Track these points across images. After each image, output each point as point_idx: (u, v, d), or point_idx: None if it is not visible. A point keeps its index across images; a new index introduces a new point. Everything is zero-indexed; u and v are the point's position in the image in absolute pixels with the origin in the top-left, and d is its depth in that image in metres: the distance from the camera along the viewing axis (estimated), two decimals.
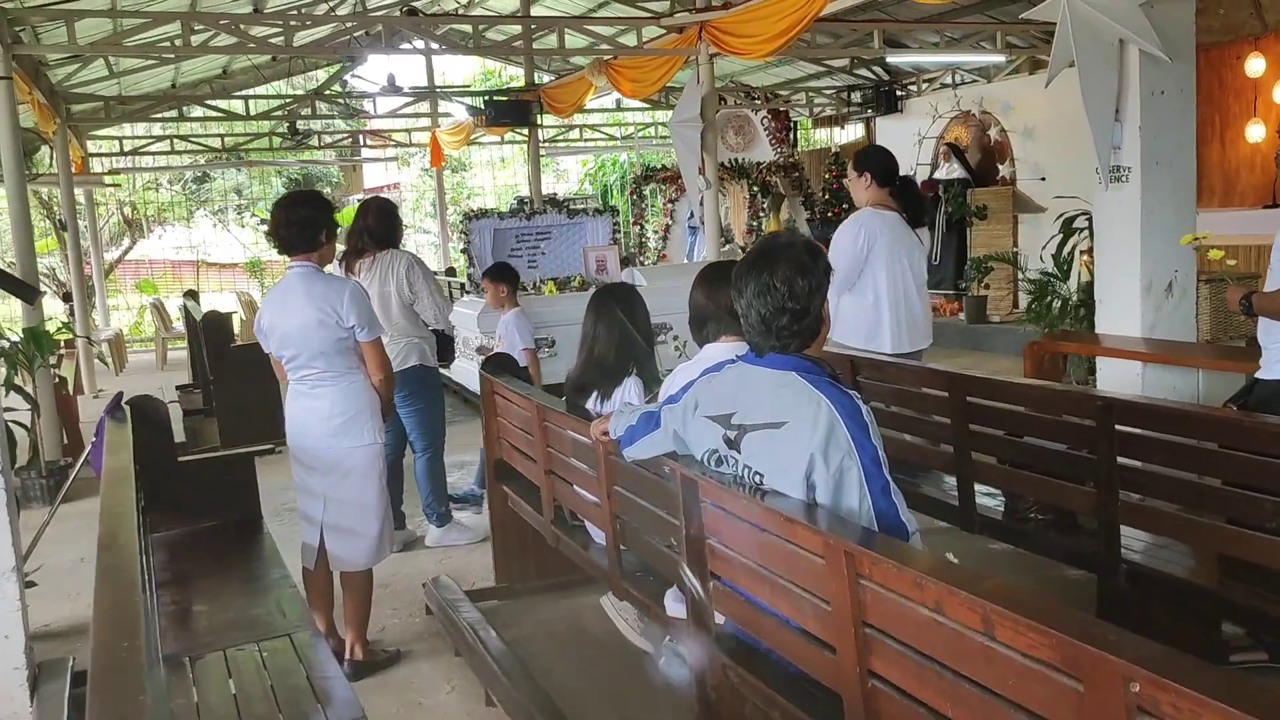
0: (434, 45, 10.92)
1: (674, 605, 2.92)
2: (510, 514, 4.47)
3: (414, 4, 10.75)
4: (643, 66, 9.99)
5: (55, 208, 17.41)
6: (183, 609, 3.30)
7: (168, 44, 9.82)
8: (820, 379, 2.35)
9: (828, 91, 15.25)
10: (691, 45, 9.01)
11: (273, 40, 9.09)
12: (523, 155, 21.91)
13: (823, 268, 2.38)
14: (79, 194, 15.12)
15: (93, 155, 15.26)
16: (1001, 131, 12.57)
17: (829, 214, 14.54)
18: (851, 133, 16.41)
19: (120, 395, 3.97)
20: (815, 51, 11.44)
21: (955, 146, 12.99)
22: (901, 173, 4.95)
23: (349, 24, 9.38)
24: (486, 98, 12.66)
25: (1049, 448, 3.42)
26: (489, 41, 12.08)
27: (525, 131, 13.86)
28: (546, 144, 18.37)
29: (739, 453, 2.42)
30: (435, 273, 8.03)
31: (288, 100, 14.15)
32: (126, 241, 17.89)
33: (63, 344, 11.42)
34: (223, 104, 13.73)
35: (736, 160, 15.18)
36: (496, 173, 24.50)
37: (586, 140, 18.17)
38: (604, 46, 10.61)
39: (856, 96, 14.77)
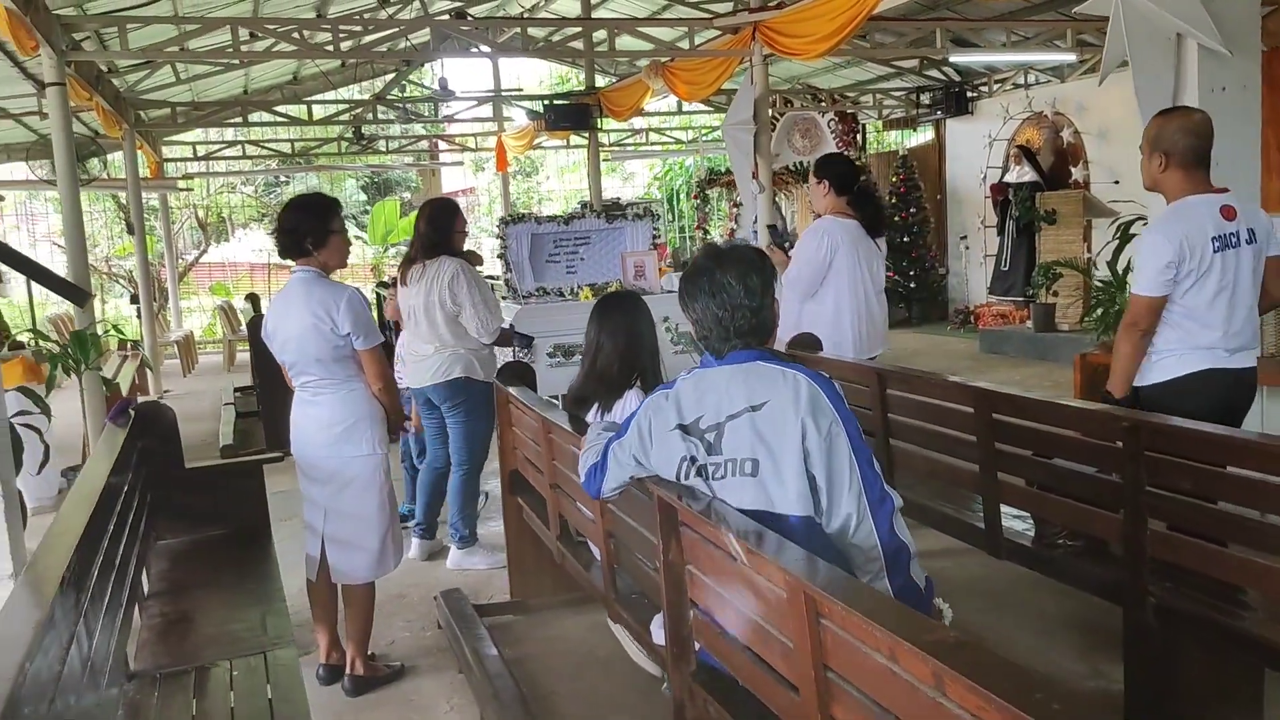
0: (483, 49, 10.82)
1: (658, 631, 2.76)
2: (525, 527, 4.35)
3: (464, 7, 10.70)
4: (698, 69, 9.83)
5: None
6: (167, 621, 3.23)
7: (227, 49, 9.95)
8: (786, 362, 2.40)
9: (896, 93, 14.91)
10: (745, 46, 8.82)
11: (327, 46, 9.12)
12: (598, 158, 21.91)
13: (769, 267, 2.44)
14: (154, 198, 15.53)
15: (167, 160, 15.58)
16: (1075, 133, 12.13)
17: (895, 218, 14.24)
18: (922, 135, 16.04)
19: (127, 401, 3.93)
20: (878, 52, 11.20)
21: (1026, 149, 12.59)
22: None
23: (398, 29, 9.35)
24: (546, 101, 12.59)
25: (1076, 470, 3.18)
26: (543, 43, 12.02)
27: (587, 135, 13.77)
28: (612, 147, 18.30)
29: (720, 453, 2.35)
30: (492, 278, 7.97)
31: (350, 105, 14.24)
32: (201, 244, 18.21)
33: (128, 345, 11.69)
34: (291, 109, 13.87)
35: (801, 163, 14.94)
36: (565, 177, 24.49)
37: (652, 144, 18.02)
38: (650, 47, 10.47)
39: (926, 98, 14.39)
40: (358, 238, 20.78)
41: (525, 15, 14.55)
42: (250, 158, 16.32)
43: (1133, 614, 2.99)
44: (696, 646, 2.50)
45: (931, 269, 14.47)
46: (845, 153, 14.73)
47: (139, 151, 13.34)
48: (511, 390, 4.15)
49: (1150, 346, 3.49)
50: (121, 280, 16.55)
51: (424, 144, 17.62)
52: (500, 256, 7.84)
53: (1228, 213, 3.36)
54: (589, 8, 12.31)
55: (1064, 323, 10.77)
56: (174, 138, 15.50)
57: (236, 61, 11.60)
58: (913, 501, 4.09)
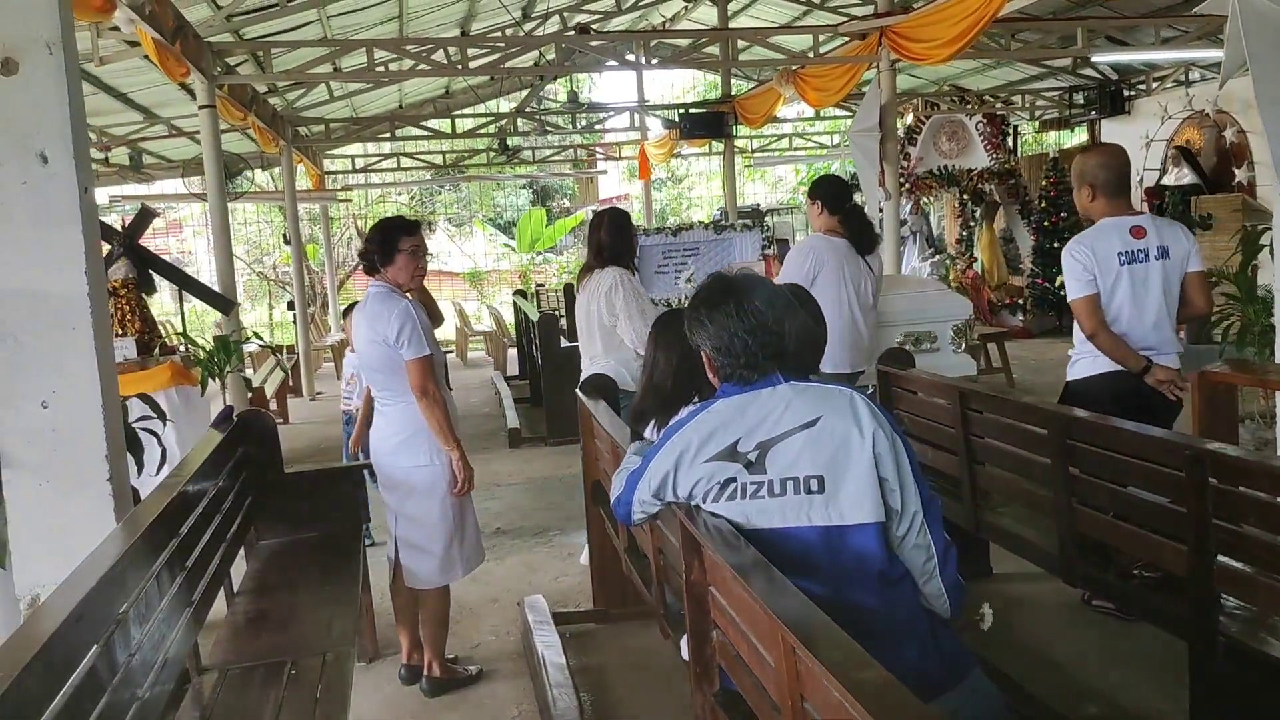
0: (610, 62, 10.98)
1: (685, 650, 2.78)
2: (606, 538, 4.42)
3: (596, 22, 10.88)
4: (826, 75, 9.73)
5: (300, 222, 18.85)
6: (248, 619, 3.44)
7: (373, 68, 10.42)
8: (823, 379, 2.45)
9: (1048, 94, 14.37)
10: (872, 52, 8.69)
11: (458, 64, 9.43)
12: (738, 165, 21.90)
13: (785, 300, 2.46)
14: (316, 209, 16.35)
15: (328, 173, 16.38)
16: (1239, 133, 11.43)
17: (1046, 223, 13.72)
18: (1079, 137, 15.41)
19: (231, 409, 4.18)
20: (1018, 52, 10.80)
21: (1186, 150, 11.95)
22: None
23: (517, 48, 9.61)
24: (682, 110, 12.67)
25: (1147, 499, 3.04)
26: (674, 53, 12.10)
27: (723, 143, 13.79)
28: (756, 154, 18.26)
29: (764, 471, 2.33)
30: None
31: (493, 118, 14.66)
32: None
33: (284, 350, 12.36)
34: (435, 124, 14.39)
35: (945, 168, 14.57)
36: (711, 183, 24.55)
37: (796, 149, 17.89)
38: (777, 56, 10.41)
39: (1080, 98, 13.82)
40: (507, 245, 21.39)
41: (666, 24, 14.72)
42: (405, 169, 16.98)
43: (1199, 652, 2.84)
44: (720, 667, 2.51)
45: None
46: (995, 155, 14.30)
47: (299, 165, 14.12)
48: (588, 402, 4.23)
49: (1071, 348, 4.14)
50: (287, 287, 17.48)
51: (570, 153, 17.95)
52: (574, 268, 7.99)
53: (1137, 232, 3.93)
54: (725, 17, 12.34)
55: (1219, 333, 10.15)
56: (334, 151, 16.27)
57: (385, 80, 12.12)
58: (993, 524, 3.98)
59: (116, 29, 6.23)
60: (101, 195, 15.36)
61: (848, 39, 9.47)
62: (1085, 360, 4.07)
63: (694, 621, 2.55)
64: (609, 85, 23.08)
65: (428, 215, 21.50)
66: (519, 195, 25.25)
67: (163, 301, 13.27)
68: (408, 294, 3.95)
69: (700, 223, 8.59)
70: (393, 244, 3.93)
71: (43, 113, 3.60)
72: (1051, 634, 4.14)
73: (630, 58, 12.68)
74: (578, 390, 4.52)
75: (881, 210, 8.89)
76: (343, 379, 5.55)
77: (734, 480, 2.36)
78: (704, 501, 2.40)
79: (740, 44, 10.41)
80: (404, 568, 3.96)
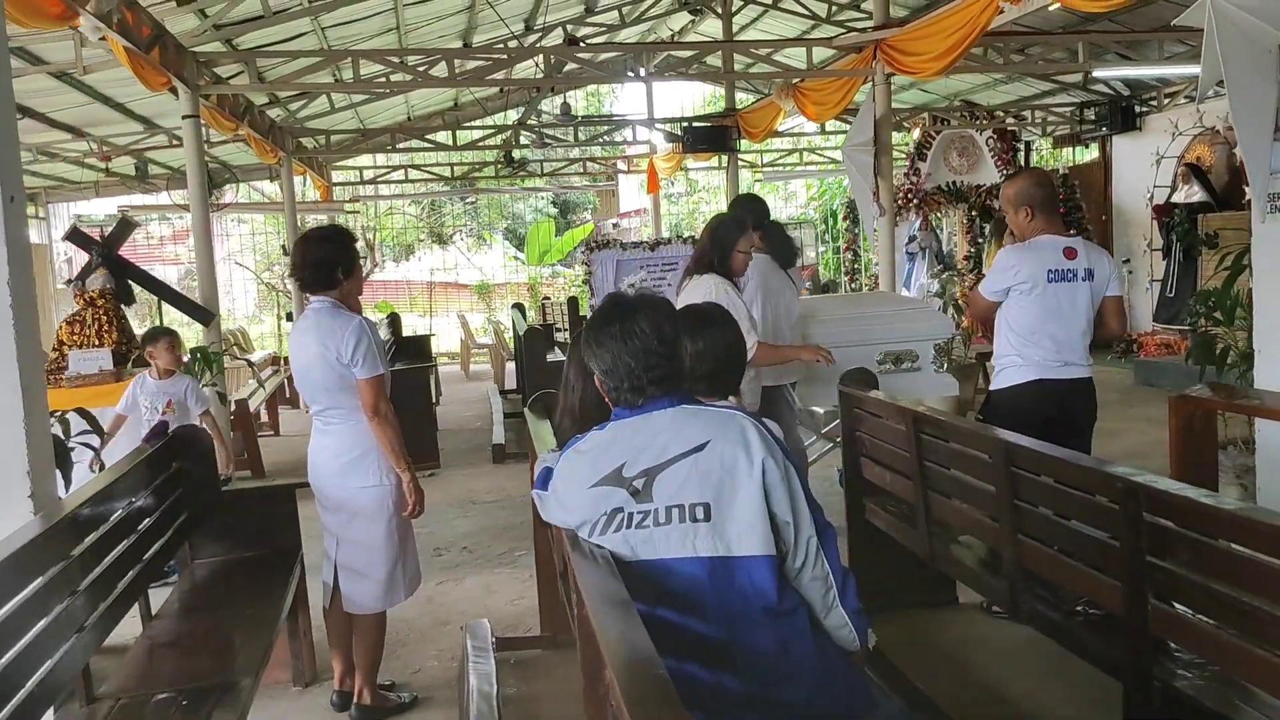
0: (601, 73, 10.88)
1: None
2: (552, 562, 4.29)
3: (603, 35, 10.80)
4: (824, 89, 9.61)
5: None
6: (155, 644, 3.34)
7: (372, 79, 10.38)
8: (715, 404, 2.40)
9: (1058, 109, 14.16)
10: (867, 66, 8.55)
11: (441, 75, 9.36)
12: (749, 179, 21.78)
13: (676, 315, 2.41)
14: (324, 220, 16.33)
15: (336, 184, 16.36)
16: None
17: None
18: (1092, 153, 15.17)
19: (165, 424, 4.09)
20: (1023, 66, 10.62)
21: (1196, 167, 11.71)
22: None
23: (500, 59, 9.53)
24: (685, 123, 12.57)
25: (1084, 533, 2.88)
26: (675, 62, 12.01)
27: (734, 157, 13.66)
28: (765, 168, 18.12)
29: (651, 500, 2.22)
30: None
31: (495, 130, 14.61)
32: (367, 264, 19.04)
33: (283, 361, 12.31)
34: (440, 136, 14.34)
35: (954, 184, 14.39)
36: (718, 198, 24.41)
37: (808, 163, 17.73)
38: (769, 69, 10.30)
39: (1091, 114, 13.60)
40: (515, 259, 21.33)
41: (674, 37, 14.64)
42: (413, 181, 16.95)
43: (1132, 694, 2.68)
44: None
45: None
46: (1005, 171, 14.09)
47: (303, 176, 14.12)
48: (531, 421, 4.11)
49: (994, 358, 4.38)
50: (289, 298, 17.47)
51: (579, 166, 17.88)
52: (585, 282, 7.87)
53: (1069, 253, 4.13)
54: (730, 30, 12.26)
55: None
56: (344, 163, 16.26)
57: (387, 90, 12.08)
58: (947, 554, 3.83)
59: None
60: (109, 205, 15.44)
61: (844, 53, 9.35)
62: (1009, 370, 4.26)
63: (585, 656, 2.42)
64: (630, 99, 23.00)
65: (439, 227, 21.51)
66: (537, 207, 25.27)
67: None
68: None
69: (679, 237, 8.46)
70: (353, 254, 3.84)
71: None
72: (1003, 668, 3.97)
73: (642, 71, 12.62)
74: (525, 408, 4.40)
75: (876, 227, 8.75)
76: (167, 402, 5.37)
77: (620, 510, 2.25)
78: (590, 534, 2.29)
79: (728, 56, 10.25)
80: (343, 593, 3.84)
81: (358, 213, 17.47)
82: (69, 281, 7.68)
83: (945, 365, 6.18)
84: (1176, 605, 2.54)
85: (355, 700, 3.85)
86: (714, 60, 13.26)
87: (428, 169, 16.79)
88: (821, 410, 6.18)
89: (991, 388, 4.40)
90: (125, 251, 7.62)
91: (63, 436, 4.49)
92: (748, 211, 5.13)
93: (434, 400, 9.68)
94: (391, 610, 4.87)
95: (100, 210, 15.81)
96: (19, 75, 8.23)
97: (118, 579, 3.16)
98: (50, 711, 2.59)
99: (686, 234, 9.42)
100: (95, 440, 4.36)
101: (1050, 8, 7.07)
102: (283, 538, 4.21)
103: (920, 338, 6.13)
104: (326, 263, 3.72)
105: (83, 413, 4.43)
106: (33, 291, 3.82)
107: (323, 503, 3.82)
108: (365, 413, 3.65)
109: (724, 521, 2.18)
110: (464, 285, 21.31)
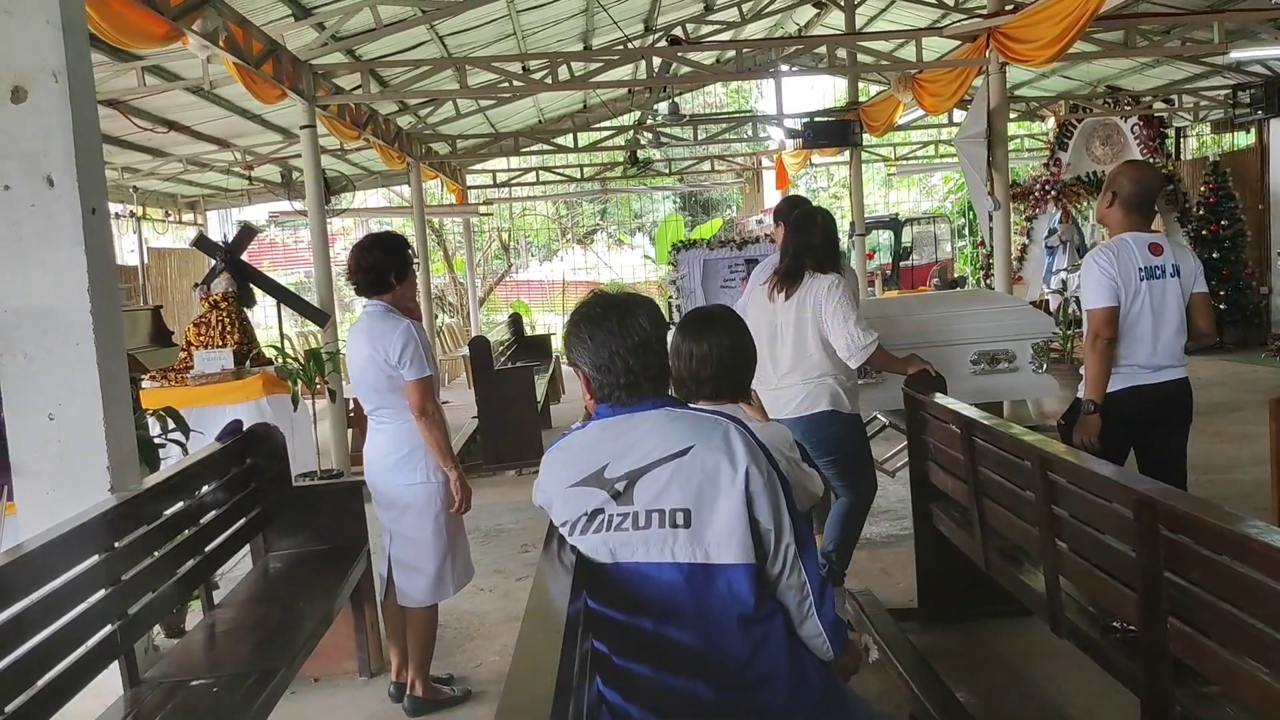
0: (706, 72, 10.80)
1: None
2: None
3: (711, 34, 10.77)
4: (939, 80, 9.34)
5: (443, 235, 19.44)
6: (209, 632, 3.51)
7: (499, 86, 10.62)
8: (700, 409, 2.30)
9: (1210, 93, 13.35)
10: (980, 55, 8.27)
11: (545, 77, 9.48)
12: (881, 174, 21.35)
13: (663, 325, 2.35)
14: (460, 222, 16.82)
15: (471, 188, 16.82)
16: None
17: (1204, 231, 12.77)
18: (1252, 138, 14.26)
19: (239, 422, 4.28)
20: (1148, 50, 10.07)
21: None
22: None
23: (620, 57, 9.56)
24: (807, 119, 12.41)
25: (1114, 546, 2.73)
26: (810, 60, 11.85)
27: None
28: (900, 161, 17.74)
29: (631, 503, 2.20)
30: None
31: (614, 132, 14.73)
32: (501, 264, 19.51)
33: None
34: (567, 139, 14.56)
35: (1093, 174, 13.76)
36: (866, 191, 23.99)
37: (944, 156, 17.25)
38: (869, 59, 10.07)
39: (1246, 96, 12.77)
40: (647, 258, 21.44)
41: (801, 30, 14.47)
42: (544, 183, 17.26)
43: (1151, 717, 2.53)
44: None
45: (1249, 288, 12.83)
46: (1151, 160, 13.39)
47: (433, 180, 14.56)
48: None
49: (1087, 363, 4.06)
50: (436, 300, 18.05)
51: (706, 164, 17.88)
52: (673, 283, 7.84)
53: (1155, 249, 3.96)
54: (853, 22, 12.03)
55: None
56: (477, 167, 16.69)
57: (511, 95, 12.34)
58: (1000, 562, 3.68)
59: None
60: (260, 211, 16.28)
61: (961, 42, 9.06)
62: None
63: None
64: (772, 95, 22.82)
65: (575, 228, 21.82)
66: (672, 206, 25.40)
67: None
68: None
69: (768, 237, 8.35)
70: (406, 259, 3.96)
71: (50, 138, 3.78)
72: (1063, 683, 3.80)
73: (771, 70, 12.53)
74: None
75: (991, 220, 8.46)
76: None
77: (601, 511, 2.23)
78: (571, 534, 2.29)
79: (832, 50, 10.07)
80: (396, 586, 3.97)
81: (490, 214, 17.89)
82: (196, 286, 8.11)
83: (1044, 365, 5.93)
84: (1194, 626, 2.39)
85: (408, 692, 3.97)
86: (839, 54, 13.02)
87: (558, 170, 17.08)
88: None
89: (1079, 395, 4.08)
90: (264, 254, 8.02)
91: (157, 434, 4.78)
92: (781, 215, 5.13)
93: (546, 399, 9.80)
94: (466, 604, 5.07)
95: (254, 216, 16.72)
96: (158, 92, 8.79)
97: (173, 567, 3.35)
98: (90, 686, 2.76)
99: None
100: (183, 438, 4.61)
101: None
102: (350, 532, 4.36)
103: (1017, 336, 5.89)
104: (379, 267, 3.84)
105: (170, 412, 4.69)
106: (115, 298, 4.09)
107: (376, 499, 3.95)
108: (412, 413, 3.76)
109: (703, 528, 2.14)
110: (599, 284, 21.61)
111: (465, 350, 11.90)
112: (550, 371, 10.79)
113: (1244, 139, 14.85)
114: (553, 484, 2.31)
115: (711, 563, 2.14)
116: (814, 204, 5.31)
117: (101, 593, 2.85)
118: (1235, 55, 10.91)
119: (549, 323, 20.21)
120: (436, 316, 17.04)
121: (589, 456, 2.25)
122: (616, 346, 2.24)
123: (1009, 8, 8.11)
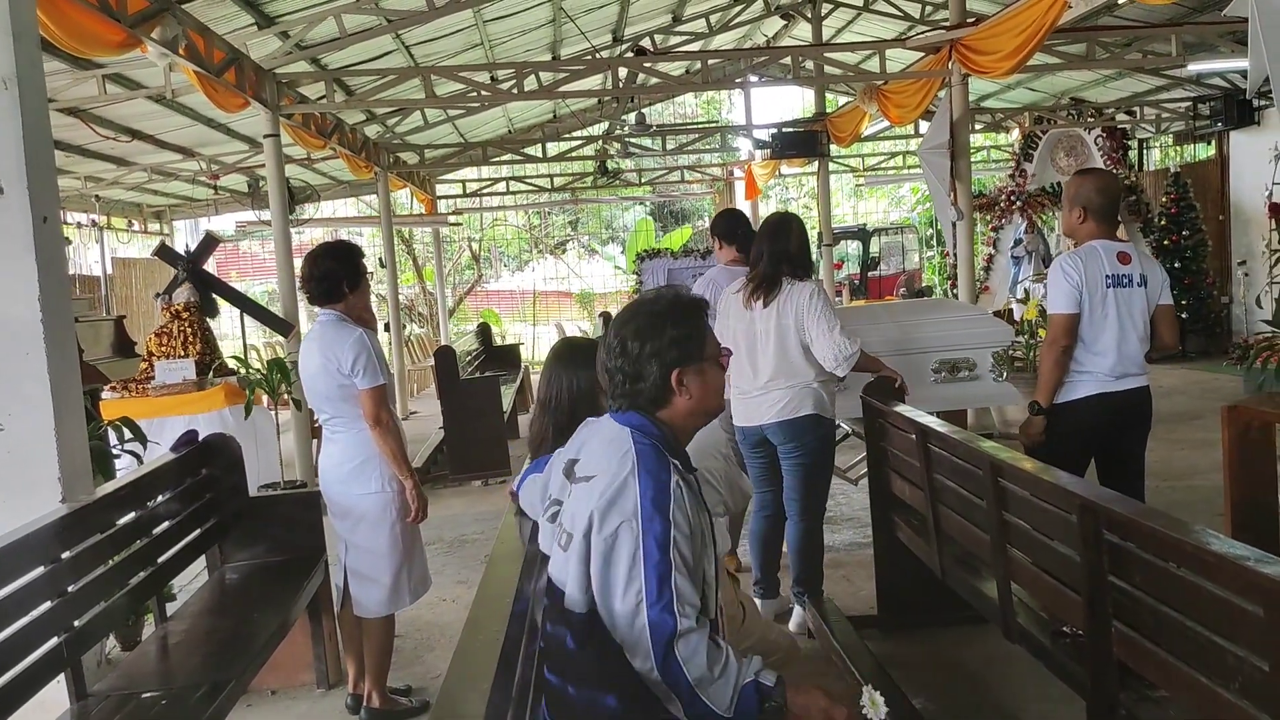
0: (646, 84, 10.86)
1: None
2: None
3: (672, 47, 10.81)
4: (903, 91, 9.42)
5: (413, 245, 19.36)
6: (161, 644, 3.47)
7: (466, 96, 10.62)
8: (647, 441, 2.14)
9: (1171, 105, 13.53)
10: (943, 66, 8.35)
11: (512, 87, 9.49)
12: (850, 184, 21.47)
13: (670, 337, 2.18)
14: (430, 232, 16.76)
15: (441, 197, 16.78)
16: None
17: (1166, 241, 12.93)
18: (1209, 150, 14.46)
19: (194, 433, 4.25)
20: (1109, 62, 10.20)
21: None
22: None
23: (564, 72, 9.60)
24: (774, 129, 12.47)
25: (1061, 551, 2.75)
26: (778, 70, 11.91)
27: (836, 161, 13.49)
28: (868, 172, 17.86)
29: (564, 502, 2.23)
30: None
31: (582, 141, 14.75)
32: (471, 274, 19.46)
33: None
34: (535, 149, 14.55)
35: (1057, 185, 13.90)
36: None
37: (911, 167, 17.39)
38: (836, 71, 10.14)
39: (1206, 109, 12.97)
40: (618, 268, 21.47)
41: (769, 42, 14.56)
42: (514, 193, 17.24)
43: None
44: None
45: (1209, 297, 12.99)
46: (1114, 170, 13.54)
47: (406, 190, 14.50)
48: None
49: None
50: (404, 310, 17.98)
51: (675, 175, 17.93)
52: (635, 291, 7.86)
53: (1123, 258, 3.98)
54: (820, 34, 12.13)
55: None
56: (447, 176, 16.65)
57: (480, 105, 12.33)
58: (954, 570, 3.71)
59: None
60: (228, 221, 16.17)
61: (924, 54, 9.15)
62: (1066, 384, 4.05)
63: None
64: (742, 106, 22.95)
65: (545, 238, 21.80)
66: (641, 216, 25.45)
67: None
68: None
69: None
70: (359, 269, 3.95)
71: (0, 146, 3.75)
72: (1022, 689, 3.82)
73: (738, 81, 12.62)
74: None
75: (955, 231, 8.53)
76: None
77: (560, 502, 2.26)
78: (541, 517, 2.35)
79: (797, 60, 10.13)
80: (352, 596, 3.95)
81: (460, 224, 17.85)
82: (157, 295, 8.04)
83: (1004, 374, 5.97)
84: (1137, 630, 2.41)
85: (365, 703, 3.94)
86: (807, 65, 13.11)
87: (529, 180, 17.07)
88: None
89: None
90: (234, 265, 7.96)
91: (115, 444, 4.73)
92: (722, 229, 5.36)
93: (514, 409, 9.78)
94: (427, 615, 5.04)
95: (222, 226, 16.61)
96: (120, 101, 8.72)
97: (122, 580, 3.31)
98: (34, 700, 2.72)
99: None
100: (140, 449, 4.57)
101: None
102: (308, 543, 4.33)
103: (977, 345, 5.93)
104: (331, 276, 3.83)
105: (126, 422, 4.64)
106: (68, 308, 4.02)
107: (332, 509, 3.93)
108: (366, 421, 3.74)
109: (570, 556, 2.10)
110: (569, 294, 21.60)
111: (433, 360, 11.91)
112: (519, 381, 10.76)
113: (1205, 150, 15.07)
114: (552, 464, 2.39)
115: (565, 593, 2.11)
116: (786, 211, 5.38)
117: (47, 604, 2.81)
118: (1194, 68, 11.07)
119: (519, 332, 20.17)
120: (405, 327, 16.99)
121: (574, 445, 2.31)
122: (602, 354, 2.29)
123: (971, 20, 8.19)
